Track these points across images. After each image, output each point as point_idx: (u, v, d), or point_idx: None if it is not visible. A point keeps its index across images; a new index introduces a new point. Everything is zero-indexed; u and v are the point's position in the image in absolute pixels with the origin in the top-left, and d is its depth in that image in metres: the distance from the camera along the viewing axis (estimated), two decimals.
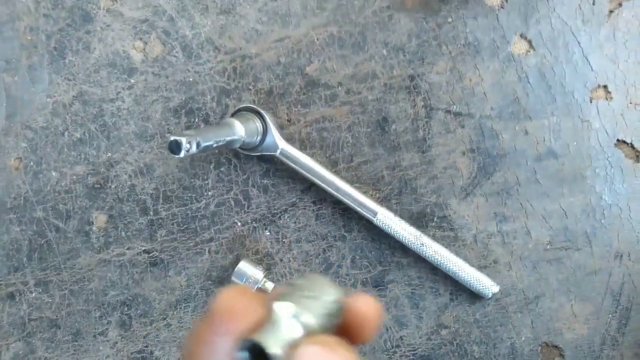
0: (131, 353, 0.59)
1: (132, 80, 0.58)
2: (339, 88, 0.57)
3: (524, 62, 0.55)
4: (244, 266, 0.55)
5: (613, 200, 0.55)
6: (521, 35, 0.55)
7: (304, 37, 0.57)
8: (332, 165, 0.57)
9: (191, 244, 0.58)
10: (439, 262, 0.54)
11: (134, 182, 0.58)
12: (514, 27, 0.55)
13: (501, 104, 0.56)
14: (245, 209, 0.58)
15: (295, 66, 0.57)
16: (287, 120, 0.57)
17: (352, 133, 0.57)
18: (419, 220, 0.57)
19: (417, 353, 0.57)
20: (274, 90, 0.57)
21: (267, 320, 0.23)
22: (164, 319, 0.58)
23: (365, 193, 0.54)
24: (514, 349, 0.57)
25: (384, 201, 0.57)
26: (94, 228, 0.59)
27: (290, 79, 0.57)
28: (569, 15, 0.55)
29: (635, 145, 0.55)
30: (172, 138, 0.41)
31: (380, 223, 0.54)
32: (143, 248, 0.58)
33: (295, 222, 0.58)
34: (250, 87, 0.57)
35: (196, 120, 0.58)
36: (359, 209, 0.54)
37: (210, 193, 0.58)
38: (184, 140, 0.41)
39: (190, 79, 0.57)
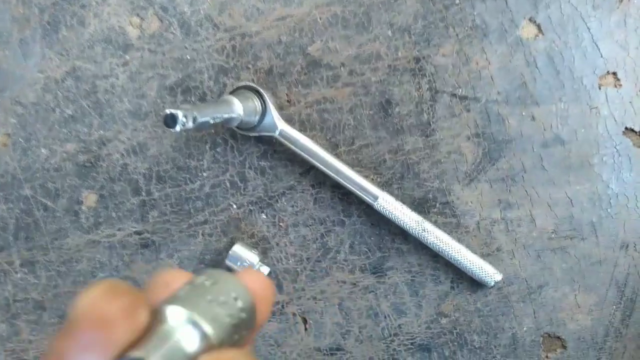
0: None
1: (128, 57, 0.56)
2: (342, 69, 0.55)
3: (533, 46, 0.54)
4: (239, 249, 0.54)
5: (620, 189, 0.54)
6: (530, 19, 0.54)
7: (306, 16, 0.55)
8: (333, 148, 0.55)
9: (184, 226, 0.56)
10: (440, 249, 0.53)
11: (126, 161, 0.56)
12: (523, 11, 0.54)
13: (508, 88, 0.54)
14: (242, 191, 0.56)
15: (296, 45, 0.55)
16: (287, 100, 0.55)
17: (354, 115, 0.55)
18: (420, 206, 0.55)
19: (415, 342, 0.56)
20: (274, 70, 0.55)
21: (153, 329, 0.18)
22: None
23: (366, 177, 0.53)
24: (515, 339, 0.55)
25: (385, 186, 0.55)
26: (83, 207, 0.56)
27: (291, 58, 0.55)
28: (579, 0, 0.54)
29: None
30: (168, 111, 0.40)
31: (381, 208, 0.52)
32: (134, 229, 0.56)
33: (292, 206, 0.56)
34: (250, 66, 0.55)
35: (193, 99, 0.56)
36: (359, 193, 0.52)
37: (205, 174, 0.56)
38: (180, 113, 0.40)
39: (188, 57, 0.56)
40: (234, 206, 0.56)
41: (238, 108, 0.48)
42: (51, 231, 0.57)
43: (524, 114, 0.54)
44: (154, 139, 0.56)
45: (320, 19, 0.55)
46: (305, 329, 0.57)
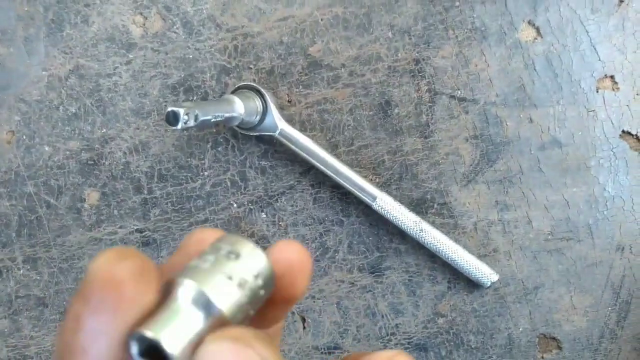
0: None
1: (131, 56, 0.57)
2: (342, 70, 0.56)
3: (531, 49, 0.54)
4: None
5: (616, 191, 0.55)
6: (529, 22, 0.54)
7: (308, 17, 0.55)
8: (332, 148, 0.56)
9: (185, 225, 0.57)
10: (437, 249, 0.53)
11: (128, 159, 0.57)
12: (522, 14, 0.54)
13: (506, 90, 0.55)
14: (242, 190, 0.57)
15: (298, 46, 0.56)
16: (288, 100, 0.56)
17: (354, 116, 0.56)
18: (418, 207, 0.56)
19: (412, 341, 0.56)
20: (275, 70, 0.56)
21: (166, 302, 0.18)
22: None
23: (365, 177, 0.53)
24: (511, 340, 0.56)
25: (383, 186, 0.56)
26: (85, 205, 0.57)
27: (292, 59, 0.56)
28: (578, 4, 0.54)
29: None
30: (169, 109, 0.40)
31: (379, 208, 0.53)
32: (136, 227, 0.57)
33: (292, 205, 0.56)
34: (251, 66, 0.56)
35: (195, 98, 0.56)
36: (358, 193, 0.53)
37: (206, 173, 0.57)
38: (182, 111, 0.40)
39: (190, 56, 0.56)
40: (235, 205, 0.57)
41: (239, 107, 0.49)
42: (54, 228, 0.57)
43: (521, 116, 0.55)
44: (156, 138, 0.57)
45: (321, 20, 0.55)
46: (304, 328, 0.58)
